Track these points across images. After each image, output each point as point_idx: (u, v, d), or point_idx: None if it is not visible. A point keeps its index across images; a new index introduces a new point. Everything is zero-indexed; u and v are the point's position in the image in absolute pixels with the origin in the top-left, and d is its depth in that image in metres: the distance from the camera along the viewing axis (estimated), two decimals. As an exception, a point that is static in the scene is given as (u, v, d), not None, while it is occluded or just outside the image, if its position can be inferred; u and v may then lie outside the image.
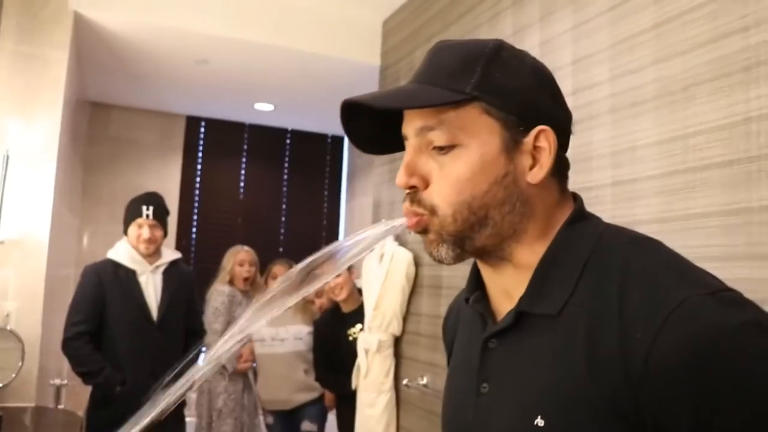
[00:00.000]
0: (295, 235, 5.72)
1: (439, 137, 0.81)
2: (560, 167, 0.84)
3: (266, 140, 5.65)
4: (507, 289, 0.86)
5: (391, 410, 3.17)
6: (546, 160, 0.81)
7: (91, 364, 3.00)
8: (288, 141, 5.71)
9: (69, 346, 3.03)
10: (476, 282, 0.91)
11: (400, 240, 3.19)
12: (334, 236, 5.85)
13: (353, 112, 0.86)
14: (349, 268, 3.65)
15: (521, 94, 0.81)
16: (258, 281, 4.26)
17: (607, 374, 0.70)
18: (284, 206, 5.71)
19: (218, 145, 5.53)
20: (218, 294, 4.07)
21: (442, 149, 0.81)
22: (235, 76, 4.29)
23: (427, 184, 0.82)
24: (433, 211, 0.81)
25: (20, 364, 2.84)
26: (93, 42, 3.68)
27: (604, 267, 0.77)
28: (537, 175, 0.81)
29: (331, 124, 5.52)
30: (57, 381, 3.23)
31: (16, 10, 3.16)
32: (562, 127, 0.84)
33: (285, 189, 5.72)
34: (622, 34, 1.93)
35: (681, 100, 1.70)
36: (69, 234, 4.23)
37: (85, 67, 4.11)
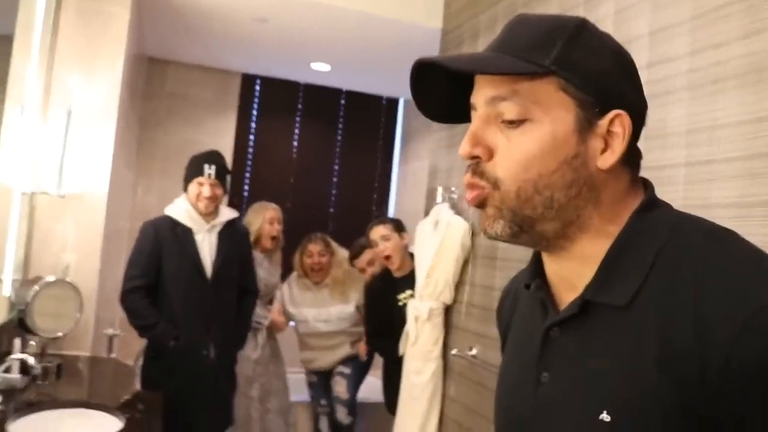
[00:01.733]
0: (346, 197, 5.71)
1: (510, 109, 0.78)
2: (632, 155, 0.81)
3: (321, 100, 5.62)
4: (569, 278, 0.83)
5: (438, 379, 3.16)
6: (619, 145, 0.78)
7: (147, 318, 3.08)
8: (343, 102, 5.67)
9: (126, 299, 3.11)
10: (537, 268, 0.88)
11: (457, 209, 3.14)
12: (385, 199, 5.83)
13: (423, 73, 0.84)
14: (400, 233, 3.63)
15: (600, 76, 0.78)
16: (281, 240, 4.13)
17: (680, 372, 0.68)
18: (336, 167, 5.69)
19: (273, 103, 5.51)
20: None
21: (512, 123, 0.78)
22: (293, 35, 4.25)
23: (491, 155, 0.79)
24: (496, 184, 0.79)
25: (78, 315, 2.90)
26: (153, -3, 3.68)
27: (679, 260, 0.73)
28: (608, 159, 0.78)
29: (388, 86, 5.45)
30: (110, 330, 3.31)
31: (79, -35, 3.16)
32: (638, 114, 0.81)
33: (338, 150, 5.70)
34: (707, 4, 1.82)
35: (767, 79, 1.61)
36: (124, 188, 4.29)
37: (144, 23, 4.12)
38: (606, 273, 0.77)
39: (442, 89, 0.86)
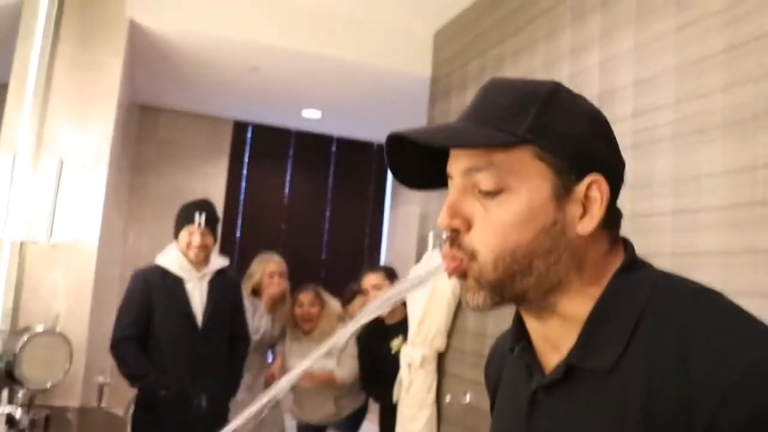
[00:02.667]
0: (338, 242, 5.72)
1: (486, 180, 0.77)
2: (611, 218, 0.80)
3: (312, 147, 5.67)
4: (552, 340, 0.82)
5: (433, 426, 3.13)
6: (597, 210, 0.77)
7: (137, 367, 3.05)
8: (334, 148, 5.72)
9: (117, 348, 3.08)
10: (519, 330, 0.87)
11: (447, 255, 3.14)
12: (376, 244, 5.83)
13: (398, 144, 0.83)
14: (392, 280, 3.62)
15: (576, 140, 0.78)
16: (287, 294, 4.07)
17: None
18: (328, 213, 5.71)
19: (264, 150, 5.56)
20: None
21: (489, 193, 0.77)
22: (284, 83, 4.30)
23: (469, 226, 0.78)
24: (473, 256, 0.77)
25: (68, 365, 2.86)
26: (146, 48, 3.72)
27: (661, 321, 0.72)
28: (587, 226, 0.77)
29: (378, 133, 5.50)
30: (101, 378, 3.27)
31: (74, 18, 3.20)
32: (616, 176, 0.80)
33: (329, 196, 5.73)
34: (690, 56, 1.86)
35: (751, 130, 1.64)
36: (115, 234, 4.28)
37: (136, 72, 4.16)
38: (588, 337, 0.76)
39: (419, 158, 0.85)
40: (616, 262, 0.79)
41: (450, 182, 0.83)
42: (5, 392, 2.47)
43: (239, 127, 5.46)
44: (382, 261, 5.79)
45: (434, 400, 3.13)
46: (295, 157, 5.65)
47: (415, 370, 3.14)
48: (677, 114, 1.89)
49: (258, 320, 3.85)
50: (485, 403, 2.90)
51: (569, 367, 0.77)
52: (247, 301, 3.76)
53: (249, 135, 5.50)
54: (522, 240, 0.76)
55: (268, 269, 4.00)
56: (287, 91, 4.48)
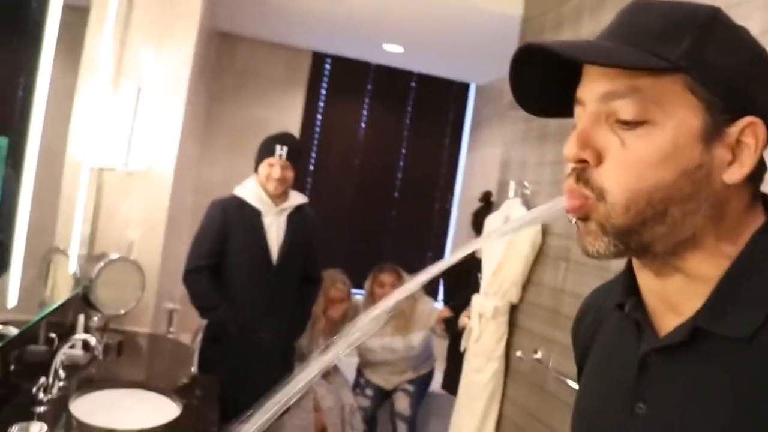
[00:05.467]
0: (412, 182, 5.63)
1: (627, 108, 0.68)
2: (758, 169, 0.70)
3: (391, 82, 5.52)
4: (672, 299, 0.72)
5: (499, 379, 3.06)
6: (749, 158, 0.68)
7: (209, 299, 3.06)
8: (413, 85, 5.56)
9: (190, 278, 3.09)
10: (631, 285, 0.78)
11: (529, 205, 3.00)
12: (451, 185, 5.71)
13: (525, 60, 0.73)
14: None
15: (735, 75, 0.68)
16: (349, 314, 4.09)
17: None
18: (403, 151, 5.60)
19: (342, 83, 5.45)
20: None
21: (628, 124, 0.68)
22: (367, 15, 4.15)
23: (600, 160, 0.69)
24: (601, 194, 0.69)
25: (140, 293, 2.90)
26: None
27: None
28: (736, 174, 0.68)
29: (460, 71, 5.32)
30: (170, 305, 3.32)
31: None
32: None
33: (406, 133, 5.61)
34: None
35: None
36: (190, 163, 4.29)
37: (217, -2, 4.09)
38: (723, 299, 0.68)
39: (544, 78, 0.76)
40: (756, 219, 0.72)
41: (579, 109, 0.73)
42: (82, 316, 2.51)
43: (318, 59, 5.36)
44: (455, 205, 5.68)
45: (503, 353, 3.05)
46: (373, 91, 5.52)
47: (487, 320, 3.05)
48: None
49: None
50: (557, 361, 2.79)
51: (695, 330, 0.69)
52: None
53: (327, 67, 5.39)
54: (661, 182, 0.67)
55: (328, 294, 4.01)
56: (369, 24, 4.33)
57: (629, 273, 0.79)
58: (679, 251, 0.71)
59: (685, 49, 0.67)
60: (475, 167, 5.47)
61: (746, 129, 0.68)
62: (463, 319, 3.57)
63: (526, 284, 3.01)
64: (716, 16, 0.70)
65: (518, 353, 2.92)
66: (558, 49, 0.68)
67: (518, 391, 2.99)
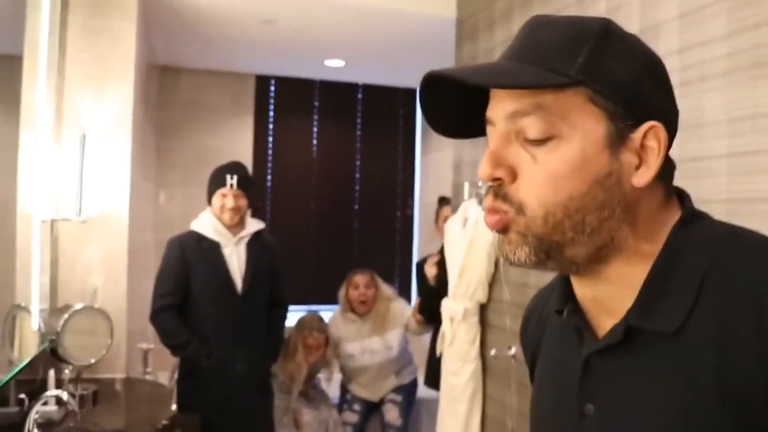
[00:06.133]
0: (370, 191, 5.65)
1: (533, 126, 0.70)
2: (667, 168, 0.73)
3: (337, 96, 5.54)
4: (606, 303, 0.75)
5: (478, 379, 3.09)
6: (654, 160, 0.71)
7: (178, 337, 3.05)
8: (360, 96, 5.59)
9: (157, 319, 3.09)
10: (567, 291, 0.80)
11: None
12: (410, 190, 5.74)
13: (433, 86, 0.75)
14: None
15: (631, 83, 0.71)
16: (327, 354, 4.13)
17: (744, 407, 0.62)
18: (358, 162, 5.62)
19: (289, 103, 5.45)
20: None
21: (536, 141, 0.70)
22: (304, 34, 4.17)
23: (514, 177, 0.71)
24: (520, 209, 0.71)
25: (109, 341, 2.86)
26: (159, 7, 3.62)
27: (732, 279, 0.66)
28: (643, 176, 0.71)
29: (403, 78, 5.36)
30: (144, 345, 3.28)
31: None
32: (671, 123, 0.73)
33: (358, 145, 5.63)
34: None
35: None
36: (145, 200, 4.26)
37: (152, 33, 4.06)
38: (649, 296, 0.70)
39: (454, 101, 0.78)
40: (672, 215, 0.74)
41: (489, 129, 0.75)
42: (52, 372, 2.47)
43: (262, 82, 5.35)
44: (416, 209, 5.72)
45: (478, 353, 3.08)
46: (321, 108, 5.53)
47: (458, 323, 3.08)
48: (731, 47, 1.74)
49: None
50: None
51: (628, 330, 0.71)
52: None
53: (272, 89, 5.39)
54: (575, 192, 0.70)
55: (306, 341, 3.97)
56: (308, 42, 4.35)
57: (565, 279, 0.81)
58: (601, 257, 0.73)
59: (583, 62, 0.70)
60: (430, 171, 5.52)
61: (648, 133, 0.71)
62: (430, 270, 3.66)
63: (492, 283, 3.04)
64: (609, 26, 0.73)
65: (493, 352, 2.95)
66: (463, 77, 0.70)
67: (498, 388, 3.02)
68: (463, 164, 3.36)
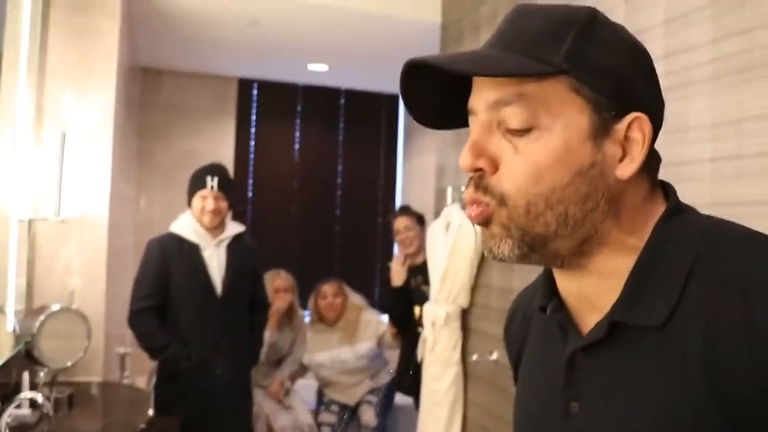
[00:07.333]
0: (352, 195, 5.64)
1: (515, 115, 0.69)
2: (651, 160, 0.72)
3: (320, 101, 5.53)
4: (590, 298, 0.74)
5: (459, 384, 3.08)
6: (638, 152, 0.70)
7: (157, 340, 3.02)
8: (342, 101, 5.58)
9: (135, 321, 3.05)
10: (550, 287, 0.79)
11: (468, 210, 3.04)
12: (391, 195, 5.74)
13: (414, 75, 0.74)
14: (422, 223, 3.74)
15: (616, 73, 0.70)
16: (295, 310, 4.17)
17: (733, 399, 0.62)
18: (340, 167, 5.61)
19: (271, 107, 5.43)
20: None
21: (519, 131, 0.69)
22: (287, 37, 4.16)
23: (496, 167, 0.70)
24: (502, 200, 0.70)
25: (86, 343, 2.82)
26: (142, 8, 3.59)
27: (718, 273, 0.66)
28: (628, 168, 0.70)
29: (387, 83, 5.36)
30: (121, 349, 3.24)
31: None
32: (656, 115, 0.72)
33: (340, 149, 5.62)
34: (728, -11, 1.72)
35: (802, 67, 1.51)
36: (126, 203, 4.21)
37: (135, 34, 4.03)
38: (634, 290, 0.69)
39: (435, 91, 0.77)
40: (657, 208, 0.73)
41: (472, 119, 0.74)
42: (26, 373, 2.42)
43: (244, 85, 5.33)
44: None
45: (460, 358, 3.07)
46: (303, 112, 5.51)
47: (440, 328, 3.07)
48: (715, 53, 1.75)
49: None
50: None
51: (613, 325, 0.70)
52: None
53: (255, 92, 5.37)
54: (557, 183, 0.68)
55: (273, 285, 4.01)
56: (291, 45, 4.34)
57: (548, 276, 0.80)
58: (585, 250, 0.72)
59: (567, 51, 0.69)
60: (412, 176, 5.52)
61: (632, 124, 0.70)
62: (396, 268, 3.68)
63: (475, 287, 3.04)
64: (594, 15, 0.72)
65: (474, 357, 2.94)
66: (443, 64, 0.69)
67: (479, 393, 3.01)
68: (446, 169, 3.36)
